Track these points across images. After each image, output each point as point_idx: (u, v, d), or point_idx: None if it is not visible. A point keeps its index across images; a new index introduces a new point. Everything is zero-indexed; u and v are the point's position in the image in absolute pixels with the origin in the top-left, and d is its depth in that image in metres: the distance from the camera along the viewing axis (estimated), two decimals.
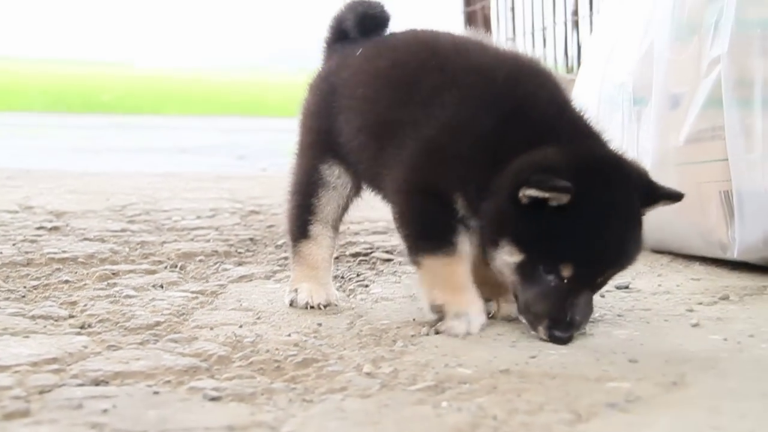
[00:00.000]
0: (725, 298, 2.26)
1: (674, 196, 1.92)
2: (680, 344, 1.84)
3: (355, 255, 2.87)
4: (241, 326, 1.96)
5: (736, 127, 2.49)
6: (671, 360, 1.72)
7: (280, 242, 3.02)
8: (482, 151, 1.87)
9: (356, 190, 2.23)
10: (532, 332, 1.86)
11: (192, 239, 3.08)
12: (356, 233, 3.25)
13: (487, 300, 2.00)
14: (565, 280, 1.79)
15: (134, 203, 3.96)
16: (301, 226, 2.19)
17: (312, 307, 2.10)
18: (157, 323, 1.96)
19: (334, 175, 2.18)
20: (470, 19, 5.84)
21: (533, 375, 1.63)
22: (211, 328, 1.93)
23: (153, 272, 2.53)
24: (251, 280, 2.48)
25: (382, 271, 2.65)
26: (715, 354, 1.77)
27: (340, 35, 2.26)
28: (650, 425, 1.38)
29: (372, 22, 2.22)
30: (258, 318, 2.05)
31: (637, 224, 1.85)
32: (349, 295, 2.31)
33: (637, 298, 2.28)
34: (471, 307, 1.91)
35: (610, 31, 3.22)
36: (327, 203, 2.18)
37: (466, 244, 1.92)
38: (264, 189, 4.70)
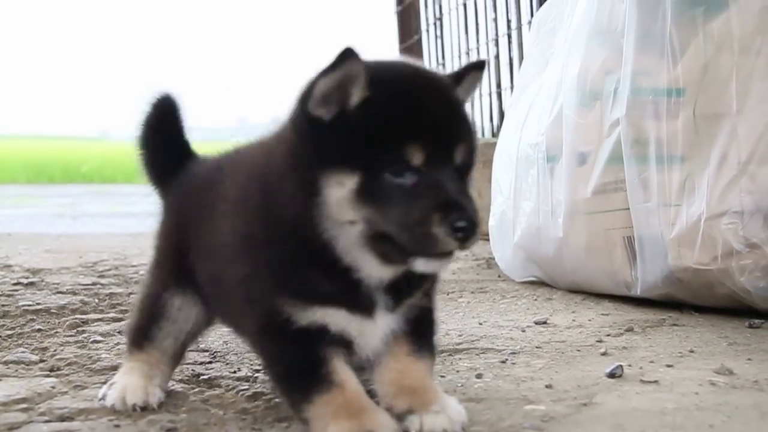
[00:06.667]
0: (630, 329, 2.29)
1: None
2: (591, 370, 1.85)
3: None
4: (199, 364, 1.93)
5: (635, 180, 2.55)
6: (582, 384, 1.73)
7: None
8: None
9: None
10: None
11: None
12: None
13: (408, 412, 1.45)
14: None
15: (105, 260, 3.90)
16: (136, 343, 1.71)
17: (135, 410, 1.57)
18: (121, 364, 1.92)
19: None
20: None
21: (462, 401, 1.62)
22: None
23: (119, 320, 2.49)
24: None
25: None
26: (621, 378, 1.78)
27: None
28: None
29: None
30: (213, 357, 2.03)
31: None
32: None
33: (554, 332, 2.30)
34: (380, 428, 1.37)
35: (524, 100, 3.29)
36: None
37: (341, 365, 1.43)
38: None
